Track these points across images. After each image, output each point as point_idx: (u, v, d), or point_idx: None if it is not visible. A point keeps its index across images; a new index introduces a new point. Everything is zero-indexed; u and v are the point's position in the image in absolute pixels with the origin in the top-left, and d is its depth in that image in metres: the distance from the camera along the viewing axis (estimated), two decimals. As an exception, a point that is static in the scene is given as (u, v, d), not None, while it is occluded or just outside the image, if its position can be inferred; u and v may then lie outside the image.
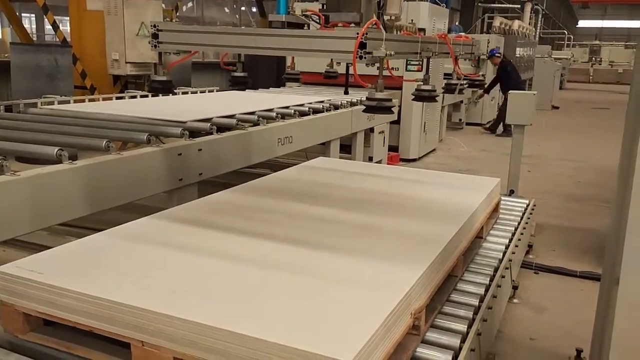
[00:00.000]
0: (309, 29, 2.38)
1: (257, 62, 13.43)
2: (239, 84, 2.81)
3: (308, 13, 2.48)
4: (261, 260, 2.23)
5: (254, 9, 16.92)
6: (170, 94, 2.46)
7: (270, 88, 7.38)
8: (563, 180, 7.20)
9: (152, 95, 5.85)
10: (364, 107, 2.05)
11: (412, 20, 7.44)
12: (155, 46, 2.23)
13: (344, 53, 1.92)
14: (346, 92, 5.30)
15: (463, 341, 2.20)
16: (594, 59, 30.03)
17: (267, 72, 12.24)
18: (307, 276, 2.10)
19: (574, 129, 12.12)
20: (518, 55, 14.53)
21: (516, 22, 15.70)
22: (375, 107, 2.02)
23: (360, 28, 1.92)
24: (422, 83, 2.52)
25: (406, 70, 7.57)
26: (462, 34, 10.65)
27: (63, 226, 3.24)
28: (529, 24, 18.97)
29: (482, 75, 3.52)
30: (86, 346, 1.93)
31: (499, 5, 22.10)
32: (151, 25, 2.24)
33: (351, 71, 2.03)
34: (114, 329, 1.84)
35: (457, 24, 17.93)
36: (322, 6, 2.67)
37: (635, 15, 43.39)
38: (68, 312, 1.92)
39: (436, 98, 2.54)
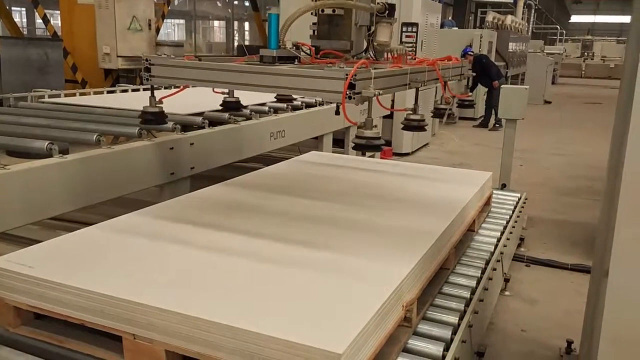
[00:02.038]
0: (299, 61, 2.40)
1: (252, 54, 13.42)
2: (231, 110, 2.79)
3: (299, 45, 2.51)
4: (253, 254, 2.23)
5: (247, 3, 16.84)
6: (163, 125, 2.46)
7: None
8: (555, 174, 7.24)
9: (144, 89, 5.82)
10: (353, 145, 2.05)
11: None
12: (148, 79, 2.24)
13: (333, 93, 1.95)
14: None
15: (454, 333, 2.22)
16: (586, 54, 30.14)
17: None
18: (298, 269, 2.11)
19: (566, 123, 12.18)
20: (511, 50, 14.57)
21: (509, 17, 15.73)
22: (364, 146, 2.03)
23: (350, 67, 1.94)
24: (411, 112, 2.52)
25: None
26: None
27: (54, 220, 3.23)
28: (522, 19, 19.00)
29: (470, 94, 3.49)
30: (78, 339, 1.93)
31: (492, 0, 22.12)
32: (143, 59, 2.25)
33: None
34: (105, 322, 1.84)
35: (449, 18, 17.91)
36: (313, 32, 2.70)
37: (627, 11, 43.45)
38: (59, 306, 1.91)
39: (424, 125, 2.55)
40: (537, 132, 10.12)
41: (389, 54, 2.75)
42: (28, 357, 1.88)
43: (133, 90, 5.70)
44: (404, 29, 7.71)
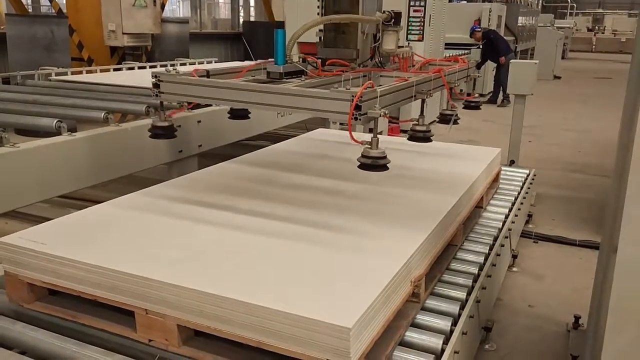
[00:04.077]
0: (306, 74, 2.39)
1: (255, 31, 13.30)
2: (239, 117, 2.81)
3: (305, 58, 2.50)
4: (262, 230, 2.25)
5: (252, -22, 16.63)
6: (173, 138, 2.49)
7: (269, 59, 7.31)
8: (564, 150, 7.19)
9: (150, 67, 5.81)
10: (359, 164, 2.05)
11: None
12: (157, 95, 2.25)
13: (340, 114, 1.96)
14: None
15: (462, 308, 2.23)
16: (597, 27, 29.63)
17: (265, 42, 12.11)
18: (307, 245, 2.12)
19: (576, 99, 12.05)
20: (520, 24, 14.34)
21: (519, -10, 15.45)
22: (370, 165, 2.03)
23: (356, 88, 1.95)
24: (417, 122, 2.52)
25: (407, 40, 7.48)
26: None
27: (64, 198, 3.26)
28: (532, -8, 18.65)
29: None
30: (91, 315, 1.96)
31: (502, -28, 21.67)
32: (153, 76, 2.26)
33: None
34: (118, 298, 1.87)
35: (458, -8, 17.58)
36: (319, 39, 2.68)
37: (639, -17, 42.53)
38: (72, 282, 1.94)
39: (430, 136, 2.55)
40: (547, 108, 10.01)
41: (396, 57, 2.76)
42: (42, 332, 1.91)
43: (139, 67, 5.68)
44: (412, 3, 7.59)
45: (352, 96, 1.90)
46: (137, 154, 3.18)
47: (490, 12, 11.65)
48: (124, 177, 3.16)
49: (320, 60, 2.59)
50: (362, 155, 2.03)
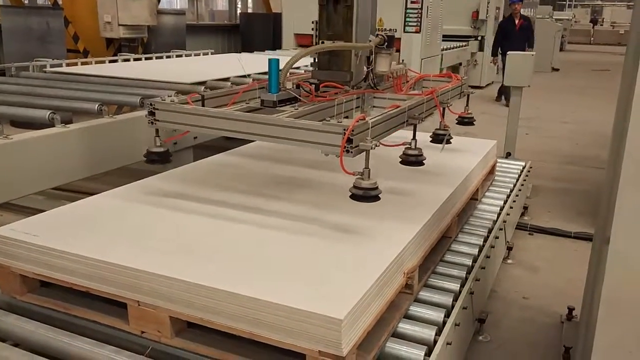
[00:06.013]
0: (300, 100, 2.41)
1: (252, 23, 13.25)
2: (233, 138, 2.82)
3: (300, 84, 2.51)
4: (255, 221, 2.24)
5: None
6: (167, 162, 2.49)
7: (266, 50, 7.28)
8: (561, 142, 7.19)
9: (146, 59, 5.78)
10: (350, 194, 2.05)
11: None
12: (152, 123, 2.26)
13: (331, 146, 1.98)
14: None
15: (455, 299, 2.24)
16: (596, 19, 29.56)
17: (262, 34, 12.07)
18: (300, 237, 2.12)
19: (574, 91, 12.03)
20: (519, 16, 14.26)
21: (517, -18, 15.35)
22: (361, 197, 2.03)
23: (348, 121, 1.95)
24: (409, 147, 2.52)
25: (404, 32, 7.46)
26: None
27: (58, 190, 3.25)
28: (531, -16, 18.56)
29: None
30: (83, 306, 1.96)
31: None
32: (148, 104, 2.26)
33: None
34: (110, 290, 1.87)
35: (457, -17, 17.49)
36: (314, 60, 2.68)
37: (639, -26, 42.29)
38: (64, 274, 1.94)
39: (422, 160, 2.56)
40: (544, 100, 10.00)
41: (390, 75, 2.80)
42: (35, 324, 1.91)
43: (135, 59, 5.66)
44: (409, -6, 7.55)
45: (344, 130, 1.90)
46: (131, 146, 3.17)
47: (488, 3, 11.60)
48: (118, 169, 3.15)
49: (314, 85, 2.60)
50: (354, 186, 2.04)
